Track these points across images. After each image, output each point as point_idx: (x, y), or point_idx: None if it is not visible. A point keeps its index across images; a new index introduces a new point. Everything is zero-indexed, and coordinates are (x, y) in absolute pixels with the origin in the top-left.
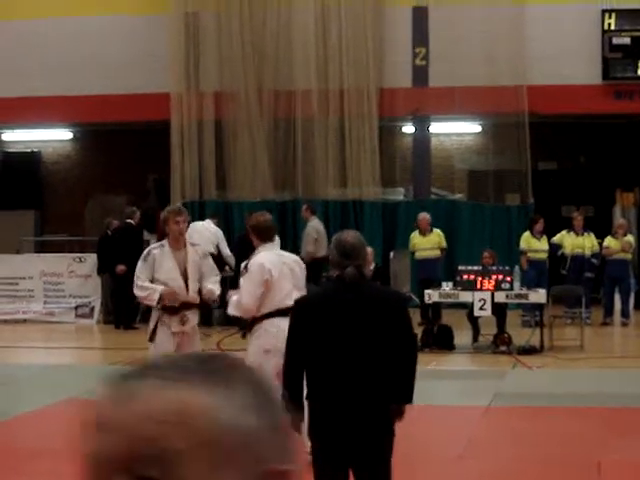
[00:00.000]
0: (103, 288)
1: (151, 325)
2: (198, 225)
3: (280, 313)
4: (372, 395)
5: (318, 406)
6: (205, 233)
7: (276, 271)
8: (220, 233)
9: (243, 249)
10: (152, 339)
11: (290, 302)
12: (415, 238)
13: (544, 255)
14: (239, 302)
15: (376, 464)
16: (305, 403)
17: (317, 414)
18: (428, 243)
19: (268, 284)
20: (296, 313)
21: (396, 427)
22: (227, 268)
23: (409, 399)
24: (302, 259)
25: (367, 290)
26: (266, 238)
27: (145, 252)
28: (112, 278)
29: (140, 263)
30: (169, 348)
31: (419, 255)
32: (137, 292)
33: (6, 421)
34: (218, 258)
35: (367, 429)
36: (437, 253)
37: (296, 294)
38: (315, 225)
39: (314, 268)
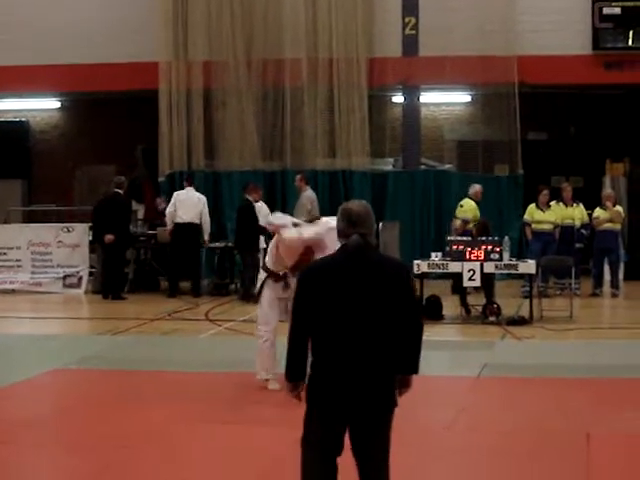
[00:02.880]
0: (98, 257)
1: (258, 286)
2: (182, 195)
3: None
4: (375, 362)
5: (320, 373)
6: (188, 202)
7: None
8: (204, 199)
9: (244, 218)
10: (258, 300)
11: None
12: (477, 209)
13: (549, 226)
14: None
15: (375, 434)
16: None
17: (318, 380)
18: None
19: None
20: (301, 281)
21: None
22: (206, 237)
23: (415, 370)
24: None
25: (371, 258)
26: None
27: None
28: (101, 248)
29: None
30: (274, 308)
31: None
32: None
33: None
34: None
35: (368, 397)
36: None
37: None
38: (309, 195)
39: None
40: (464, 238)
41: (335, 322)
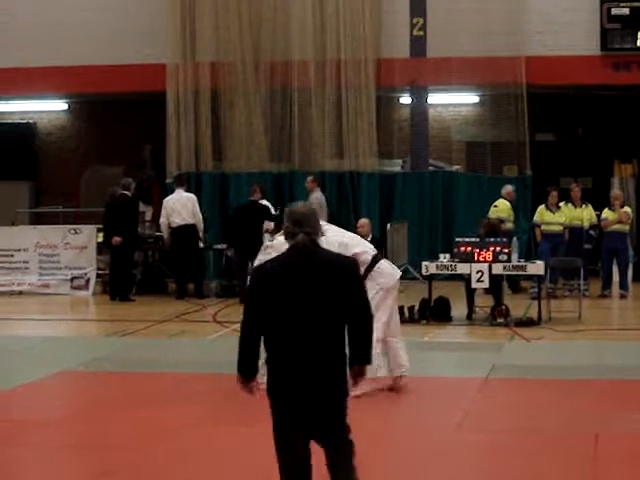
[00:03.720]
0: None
1: None
2: (171, 200)
3: None
4: (325, 356)
5: (276, 369)
6: (178, 205)
7: None
8: (193, 198)
9: (240, 220)
10: None
11: None
12: (510, 208)
13: (559, 227)
14: None
15: (333, 425)
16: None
17: (275, 377)
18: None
19: None
20: (253, 280)
21: (394, 398)
22: (200, 234)
23: (368, 360)
24: None
25: (318, 255)
26: None
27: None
28: (109, 249)
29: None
30: None
31: (509, 226)
32: None
33: (1, 393)
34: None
35: (323, 391)
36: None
37: None
38: (318, 197)
39: None
40: (471, 239)
41: (285, 319)
